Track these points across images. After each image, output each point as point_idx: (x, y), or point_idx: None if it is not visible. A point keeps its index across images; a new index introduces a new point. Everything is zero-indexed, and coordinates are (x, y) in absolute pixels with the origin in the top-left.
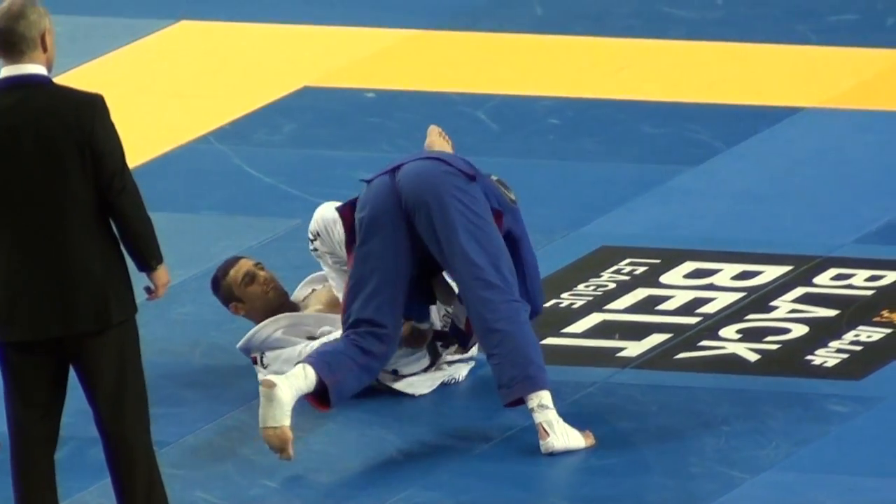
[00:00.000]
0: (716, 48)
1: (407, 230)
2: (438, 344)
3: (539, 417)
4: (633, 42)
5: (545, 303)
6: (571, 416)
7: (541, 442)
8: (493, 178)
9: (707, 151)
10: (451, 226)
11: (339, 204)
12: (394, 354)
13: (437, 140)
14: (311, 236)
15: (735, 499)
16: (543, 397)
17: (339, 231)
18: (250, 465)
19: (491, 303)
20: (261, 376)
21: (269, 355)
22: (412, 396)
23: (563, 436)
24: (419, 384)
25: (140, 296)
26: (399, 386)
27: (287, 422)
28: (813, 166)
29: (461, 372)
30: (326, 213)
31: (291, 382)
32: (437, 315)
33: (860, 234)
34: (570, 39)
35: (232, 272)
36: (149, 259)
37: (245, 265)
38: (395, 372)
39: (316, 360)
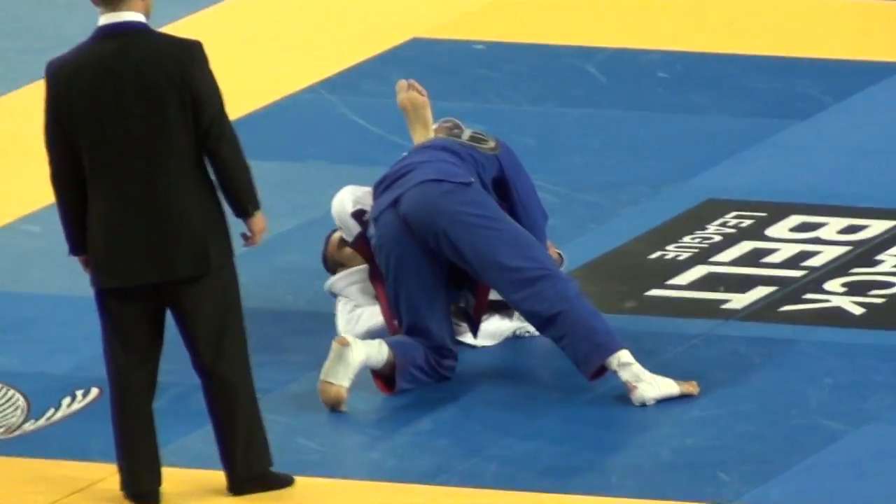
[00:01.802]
0: (826, 2)
1: (430, 252)
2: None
3: (624, 375)
4: None
5: (651, 254)
6: (675, 368)
7: (631, 396)
8: (467, 135)
9: (815, 106)
10: (473, 243)
11: (354, 189)
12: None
13: (411, 98)
14: (337, 223)
15: (837, 450)
16: (622, 356)
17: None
18: (352, 414)
19: (538, 294)
20: (340, 327)
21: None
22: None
23: (652, 384)
24: (481, 338)
25: (238, 242)
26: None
27: (347, 383)
28: None
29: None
30: (338, 206)
31: (365, 349)
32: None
33: None
34: None
35: (330, 243)
36: (246, 204)
37: (338, 234)
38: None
39: (394, 342)
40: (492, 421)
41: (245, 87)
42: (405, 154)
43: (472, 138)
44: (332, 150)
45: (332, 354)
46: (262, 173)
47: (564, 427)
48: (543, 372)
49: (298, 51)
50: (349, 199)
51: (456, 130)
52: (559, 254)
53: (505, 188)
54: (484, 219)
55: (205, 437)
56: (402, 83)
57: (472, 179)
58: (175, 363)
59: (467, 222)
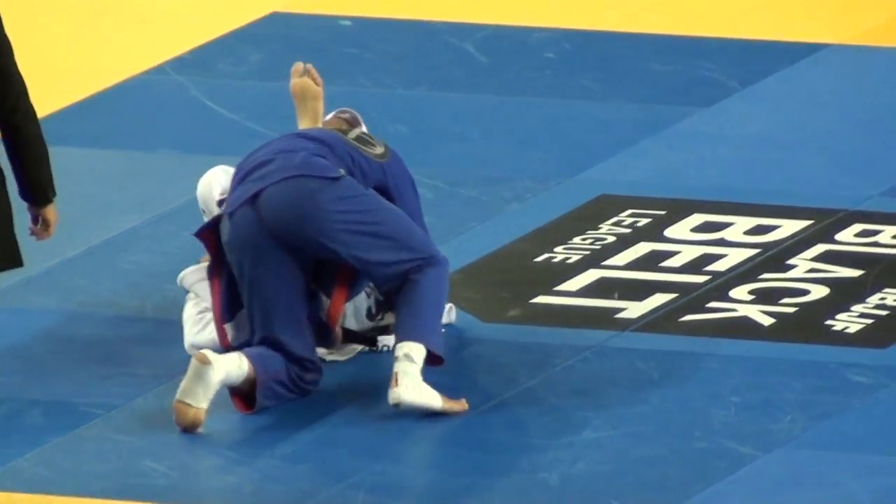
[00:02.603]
0: None
1: (291, 255)
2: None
3: (397, 366)
4: None
5: (537, 256)
6: (564, 383)
7: (389, 391)
8: (354, 133)
9: (720, 91)
10: (350, 248)
11: (224, 171)
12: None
13: (303, 84)
14: (201, 207)
15: (745, 477)
16: (414, 350)
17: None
18: (206, 434)
19: (410, 282)
20: (193, 348)
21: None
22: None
23: (416, 389)
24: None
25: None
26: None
27: (206, 405)
28: (837, 110)
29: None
30: (204, 191)
31: (225, 366)
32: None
33: (887, 187)
34: None
35: None
36: (46, 189)
37: None
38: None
39: (254, 354)
40: (359, 443)
41: (85, 65)
42: (267, 141)
43: (358, 138)
44: (182, 139)
45: (190, 372)
46: (104, 163)
47: (441, 450)
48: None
49: (145, 25)
50: (217, 182)
51: (345, 127)
52: None
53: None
54: (359, 216)
55: (42, 458)
56: (299, 66)
57: (342, 171)
58: (7, 376)
59: (340, 226)
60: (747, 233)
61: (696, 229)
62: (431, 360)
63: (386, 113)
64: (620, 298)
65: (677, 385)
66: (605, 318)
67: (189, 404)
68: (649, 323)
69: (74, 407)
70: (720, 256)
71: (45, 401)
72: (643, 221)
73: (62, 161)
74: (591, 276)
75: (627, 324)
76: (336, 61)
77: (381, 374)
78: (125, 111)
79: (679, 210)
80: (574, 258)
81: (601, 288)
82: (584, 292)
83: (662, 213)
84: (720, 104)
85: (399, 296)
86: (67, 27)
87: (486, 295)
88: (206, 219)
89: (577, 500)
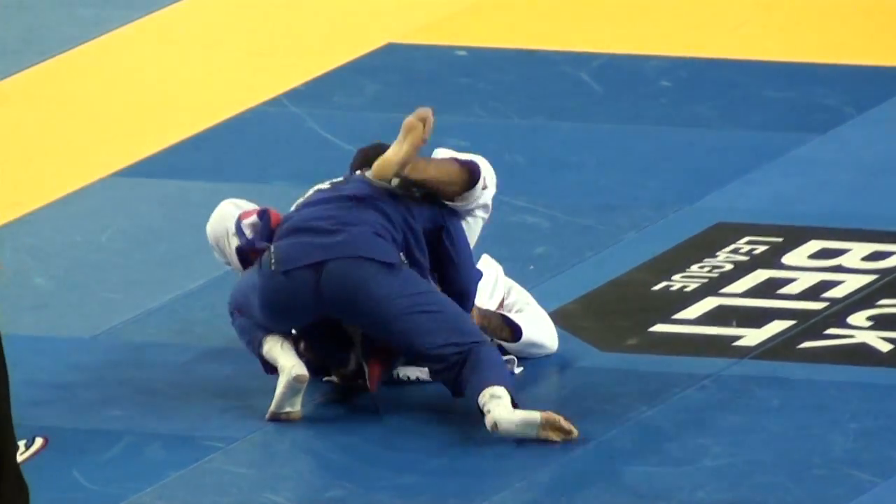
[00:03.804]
0: (846, 2)
1: (323, 316)
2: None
3: (486, 405)
4: None
5: (655, 285)
6: (683, 412)
7: (485, 420)
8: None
9: (836, 117)
10: (402, 330)
11: (236, 202)
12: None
13: (412, 128)
14: (212, 244)
15: None
16: (496, 390)
17: (233, 244)
18: (324, 464)
19: (471, 354)
20: (294, 369)
21: None
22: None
23: (507, 409)
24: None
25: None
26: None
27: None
28: None
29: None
30: (217, 227)
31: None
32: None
33: None
34: None
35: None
36: None
37: None
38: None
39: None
40: (482, 470)
41: (201, 98)
42: (326, 186)
43: (403, 184)
44: (297, 169)
45: (286, 390)
46: (220, 195)
47: (560, 481)
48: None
49: (260, 58)
50: (231, 217)
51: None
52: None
53: (438, 239)
54: (416, 299)
55: (162, 492)
56: (427, 113)
57: (403, 259)
58: (126, 409)
59: (397, 311)
60: (865, 259)
61: (813, 256)
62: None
63: (501, 143)
64: (738, 326)
65: (796, 412)
66: (724, 346)
67: (287, 412)
68: (767, 350)
69: (194, 440)
70: (838, 283)
71: (165, 434)
72: (760, 249)
73: (179, 193)
74: (708, 303)
75: (745, 351)
76: (451, 91)
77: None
78: (241, 143)
79: (796, 237)
80: (692, 286)
81: (719, 316)
82: (702, 320)
83: (779, 240)
84: (836, 130)
85: (462, 370)
86: (184, 60)
87: (604, 324)
88: (217, 257)
89: None
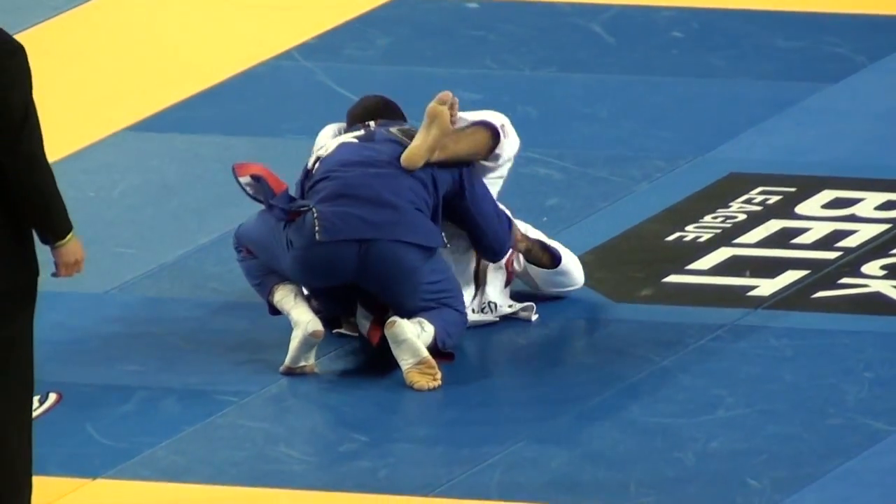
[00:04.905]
0: None
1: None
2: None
3: (410, 321)
4: None
5: (668, 236)
6: (697, 362)
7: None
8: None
9: (848, 67)
10: (422, 306)
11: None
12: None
13: (438, 114)
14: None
15: (880, 452)
16: (426, 325)
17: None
18: (339, 418)
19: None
20: (310, 325)
21: None
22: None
23: (411, 327)
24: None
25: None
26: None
27: (314, 360)
28: None
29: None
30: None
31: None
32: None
33: None
34: None
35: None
36: (47, 232)
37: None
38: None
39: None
40: (492, 424)
41: (213, 53)
42: (361, 132)
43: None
44: (309, 124)
45: (301, 343)
46: (232, 150)
47: (575, 428)
48: (551, 371)
49: (272, 11)
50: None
51: (407, 130)
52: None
53: (459, 200)
54: (441, 286)
55: (177, 446)
56: (447, 95)
57: (444, 240)
58: (141, 364)
59: (419, 295)
60: (878, 208)
61: (826, 205)
62: (441, 355)
63: (514, 95)
64: (752, 276)
65: (810, 362)
66: (737, 297)
67: (302, 367)
68: (781, 300)
69: (208, 395)
70: (851, 232)
71: (180, 389)
72: (773, 199)
73: (191, 148)
74: (722, 254)
75: (759, 301)
76: (463, 44)
77: (512, 356)
78: (253, 97)
79: (809, 187)
80: (705, 237)
81: (733, 266)
82: (716, 270)
83: (792, 190)
84: (848, 80)
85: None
86: (195, 15)
87: (618, 275)
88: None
89: (711, 479)
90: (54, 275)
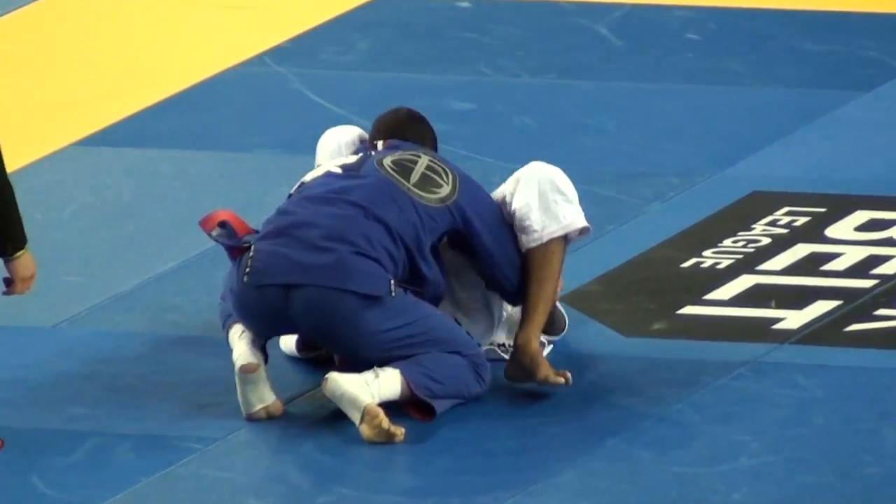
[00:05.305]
0: None
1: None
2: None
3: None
4: None
5: (683, 262)
6: (717, 404)
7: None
8: (416, 176)
9: (881, 73)
10: (393, 357)
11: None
12: None
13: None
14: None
15: None
16: (389, 373)
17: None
18: (313, 466)
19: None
20: (238, 360)
21: None
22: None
23: (355, 380)
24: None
25: None
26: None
27: (273, 396)
28: None
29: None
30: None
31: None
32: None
33: None
34: None
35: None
36: (5, 241)
37: None
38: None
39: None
40: (498, 470)
41: (176, 58)
42: (351, 161)
43: (421, 181)
44: (282, 137)
45: (241, 385)
46: (196, 166)
47: (575, 484)
48: (553, 415)
49: (241, 12)
50: (335, 139)
51: (406, 161)
52: None
53: (467, 240)
54: (407, 330)
55: (133, 499)
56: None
57: (391, 287)
58: (93, 407)
59: (386, 346)
60: None
61: (860, 228)
62: (421, 409)
63: (510, 104)
64: (778, 307)
65: (844, 403)
66: (762, 330)
67: (262, 409)
68: (811, 334)
69: (168, 441)
70: (888, 258)
71: (136, 435)
72: (801, 220)
73: (149, 164)
74: (744, 282)
75: (786, 336)
76: (453, 47)
77: (510, 398)
78: (219, 107)
79: (841, 207)
80: (725, 263)
81: (756, 296)
82: (737, 301)
83: (822, 210)
84: (882, 87)
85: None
86: (157, 17)
87: (628, 306)
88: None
89: None
90: (6, 293)
